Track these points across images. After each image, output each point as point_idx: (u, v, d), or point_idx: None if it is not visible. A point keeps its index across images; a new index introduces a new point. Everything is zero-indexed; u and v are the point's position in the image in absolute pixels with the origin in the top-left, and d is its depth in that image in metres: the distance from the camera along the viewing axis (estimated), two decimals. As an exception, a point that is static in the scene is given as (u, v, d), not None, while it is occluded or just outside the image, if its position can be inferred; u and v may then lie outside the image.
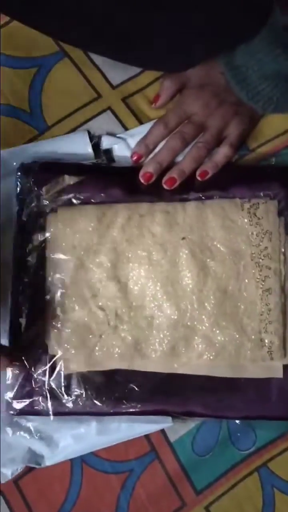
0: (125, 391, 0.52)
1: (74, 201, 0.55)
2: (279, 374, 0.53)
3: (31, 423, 0.54)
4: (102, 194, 0.55)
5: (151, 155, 0.57)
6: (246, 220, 0.54)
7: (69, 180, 0.55)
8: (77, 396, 0.52)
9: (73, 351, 0.52)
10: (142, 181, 0.55)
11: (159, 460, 0.56)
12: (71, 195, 0.55)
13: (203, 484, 0.55)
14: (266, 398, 0.52)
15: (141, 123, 0.60)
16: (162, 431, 0.56)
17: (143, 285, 0.53)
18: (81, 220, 0.54)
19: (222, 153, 0.56)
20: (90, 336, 0.53)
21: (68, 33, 0.53)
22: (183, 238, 0.54)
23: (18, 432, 0.54)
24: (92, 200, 0.55)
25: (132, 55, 0.54)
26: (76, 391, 0.52)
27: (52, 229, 0.54)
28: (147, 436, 0.56)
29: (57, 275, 0.53)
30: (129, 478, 0.55)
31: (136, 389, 0.52)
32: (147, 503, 0.55)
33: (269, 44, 0.50)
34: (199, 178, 0.56)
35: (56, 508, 0.55)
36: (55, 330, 0.53)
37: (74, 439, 0.54)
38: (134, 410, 0.52)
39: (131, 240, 0.54)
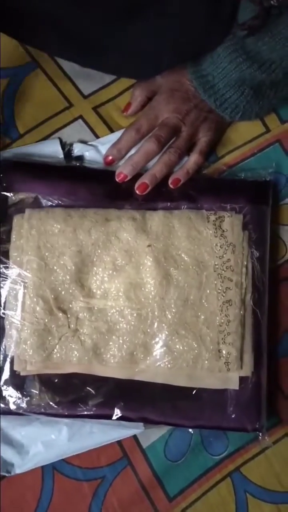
0: (82, 394, 0.52)
1: (43, 202, 0.55)
2: (235, 385, 0.53)
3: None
4: (71, 197, 0.55)
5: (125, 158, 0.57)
6: (211, 232, 0.55)
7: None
8: (31, 396, 0.52)
9: (30, 352, 0.52)
10: (117, 179, 0.56)
11: (131, 467, 0.55)
12: (39, 196, 0.55)
13: (176, 491, 0.55)
14: (221, 409, 0.53)
15: (112, 131, 0.61)
16: (135, 437, 0.55)
17: (106, 289, 0.54)
18: (47, 222, 0.54)
19: (192, 160, 0.57)
20: (50, 338, 0.52)
21: (41, 40, 0.54)
22: (149, 246, 0.54)
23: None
24: (61, 202, 0.55)
25: (101, 63, 0.55)
26: (32, 391, 0.52)
27: (17, 229, 0.54)
28: (119, 442, 0.55)
29: (19, 275, 0.53)
30: (101, 486, 0.55)
31: (92, 392, 0.52)
32: (119, 511, 0.54)
33: (232, 53, 0.51)
34: (171, 186, 0.57)
35: (27, 517, 0.54)
36: (13, 330, 0.53)
37: (45, 446, 0.54)
38: (89, 413, 0.52)
39: (97, 244, 0.54)
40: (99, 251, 0.54)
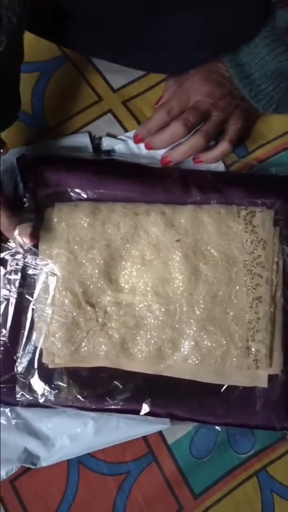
0: (109, 388, 0.52)
1: (72, 195, 0.55)
2: (264, 383, 0.52)
3: (26, 421, 0.54)
4: (101, 190, 0.55)
5: None
6: (241, 227, 0.54)
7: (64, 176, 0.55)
8: (59, 389, 0.52)
9: (59, 345, 0.52)
10: (134, 141, 0.57)
11: (156, 463, 0.55)
12: (69, 190, 0.55)
13: (201, 488, 0.55)
14: (249, 407, 0.52)
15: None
16: (160, 433, 0.55)
17: (134, 284, 0.53)
18: (77, 215, 0.54)
19: (221, 150, 0.56)
20: (78, 332, 0.52)
21: (76, 41, 0.53)
22: (178, 241, 0.53)
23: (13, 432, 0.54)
24: (90, 196, 0.55)
25: (134, 60, 0.55)
26: (60, 384, 0.52)
27: (47, 222, 0.54)
28: (144, 438, 0.55)
29: (49, 268, 0.53)
30: (126, 480, 0.55)
31: (120, 386, 0.52)
32: (144, 506, 0.54)
33: (271, 43, 0.50)
34: (192, 162, 0.57)
35: (52, 509, 0.54)
36: (42, 322, 0.53)
37: (71, 439, 0.54)
38: (116, 407, 0.52)
39: (126, 238, 0.54)
40: (127, 245, 0.54)
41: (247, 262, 0.53)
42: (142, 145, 0.57)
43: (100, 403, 0.52)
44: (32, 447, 0.54)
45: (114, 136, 0.60)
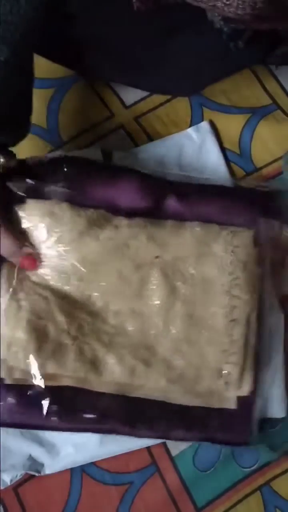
0: (79, 405, 0.49)
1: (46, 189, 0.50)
2: (233, 405, 0.50)
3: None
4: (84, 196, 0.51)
5: None
6: (221, 247, 0.51)
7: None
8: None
9: (21, 357, 0.47)
10: None
11: (159, 474, 0.55)
12: (52, 186, 0.51)
13: (204, 501, 0.54)
14: (213, 424, 0.50)
15: (152, 140, 0.62)
16: (164, 444, 0.55)
17: (109, 299, 0.50)
18: (54, 218, 0.49)
19: None
20: (46, 344, 0.48)
21: (87, 66, 0.55)
22: (157, 257, 0.51)
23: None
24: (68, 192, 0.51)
25: (145, 81, 0.57)
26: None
27: (21, 221, 0.49)
28: (148, 449, 0.55)
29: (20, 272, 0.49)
30: (128, 491, 0.55)
31: (88, 406, 0.49)
32: (147, 518, 0.54)
33: None
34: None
35: (54, 518, 0.55)
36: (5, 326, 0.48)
37: (75, 448, 0.54)
38: (88, 426, 0.50)
39: (103, 250, 0.50)
40: (105, 257, 0.50)
41: (225, 283, 0.50)
42: (151, 159, 0.59)
43: (74, 422, 0.49)
44: (37, 454, 0.54)
45: (125, 151, 0.62)
